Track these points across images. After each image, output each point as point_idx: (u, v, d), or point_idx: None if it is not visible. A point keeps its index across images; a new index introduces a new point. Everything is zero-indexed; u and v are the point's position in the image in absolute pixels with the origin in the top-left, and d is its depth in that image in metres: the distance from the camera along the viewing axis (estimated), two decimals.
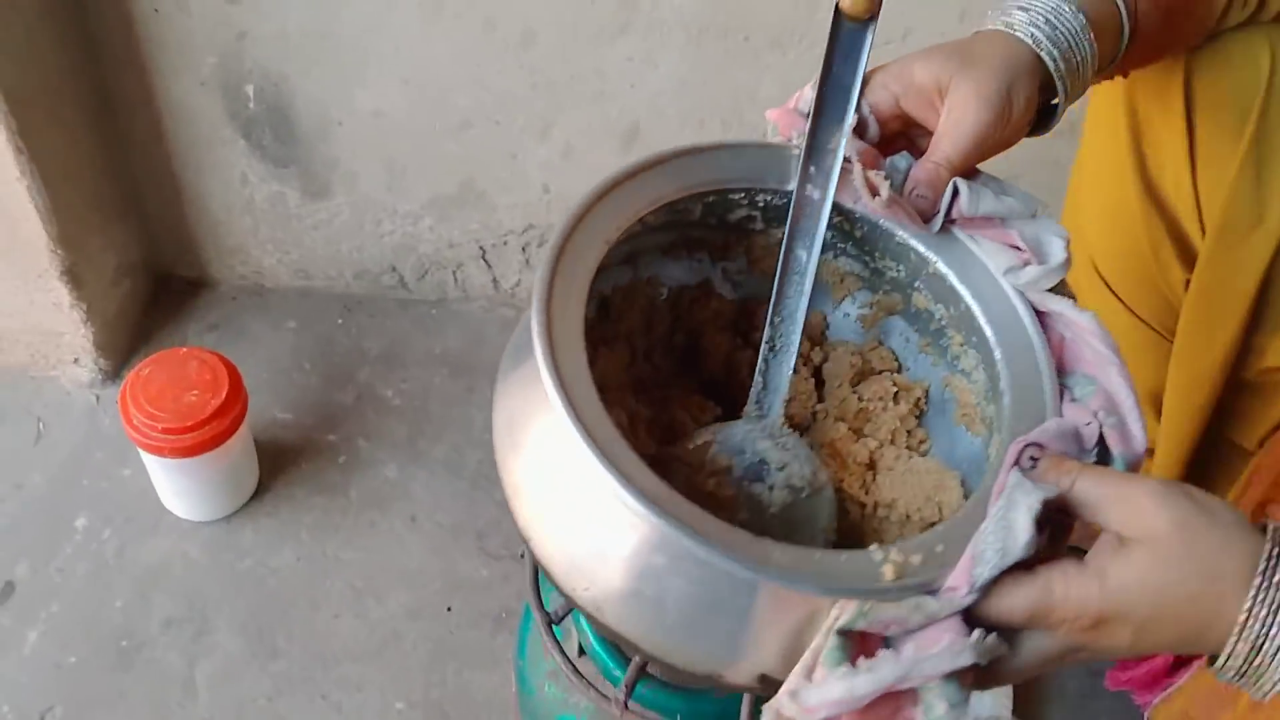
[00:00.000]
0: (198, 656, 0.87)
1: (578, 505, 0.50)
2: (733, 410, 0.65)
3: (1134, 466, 0.52)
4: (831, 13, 0.58)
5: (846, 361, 0.67)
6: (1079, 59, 0.59)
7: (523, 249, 1.06)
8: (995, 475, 0.50)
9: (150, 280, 1.08)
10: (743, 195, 0.61)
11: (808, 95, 0.60)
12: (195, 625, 0.89)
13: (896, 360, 0.68)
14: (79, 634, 0.88)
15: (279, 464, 0.99)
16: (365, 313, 1.10)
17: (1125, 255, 0.77)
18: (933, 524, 0.62)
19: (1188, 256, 0.73)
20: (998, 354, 0.59)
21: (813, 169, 0.60)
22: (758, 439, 0.59)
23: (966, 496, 0.61)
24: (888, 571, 0.48)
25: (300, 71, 0.93)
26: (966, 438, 0.64)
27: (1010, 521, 0.47)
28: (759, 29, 0.89)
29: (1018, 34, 0.58)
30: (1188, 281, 0.74)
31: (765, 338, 0.59)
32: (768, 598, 0.48)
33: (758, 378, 0.60)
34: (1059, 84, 0.58)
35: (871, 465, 0.65)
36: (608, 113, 0.95)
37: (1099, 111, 0.77)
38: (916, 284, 0.63)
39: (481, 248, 1.06)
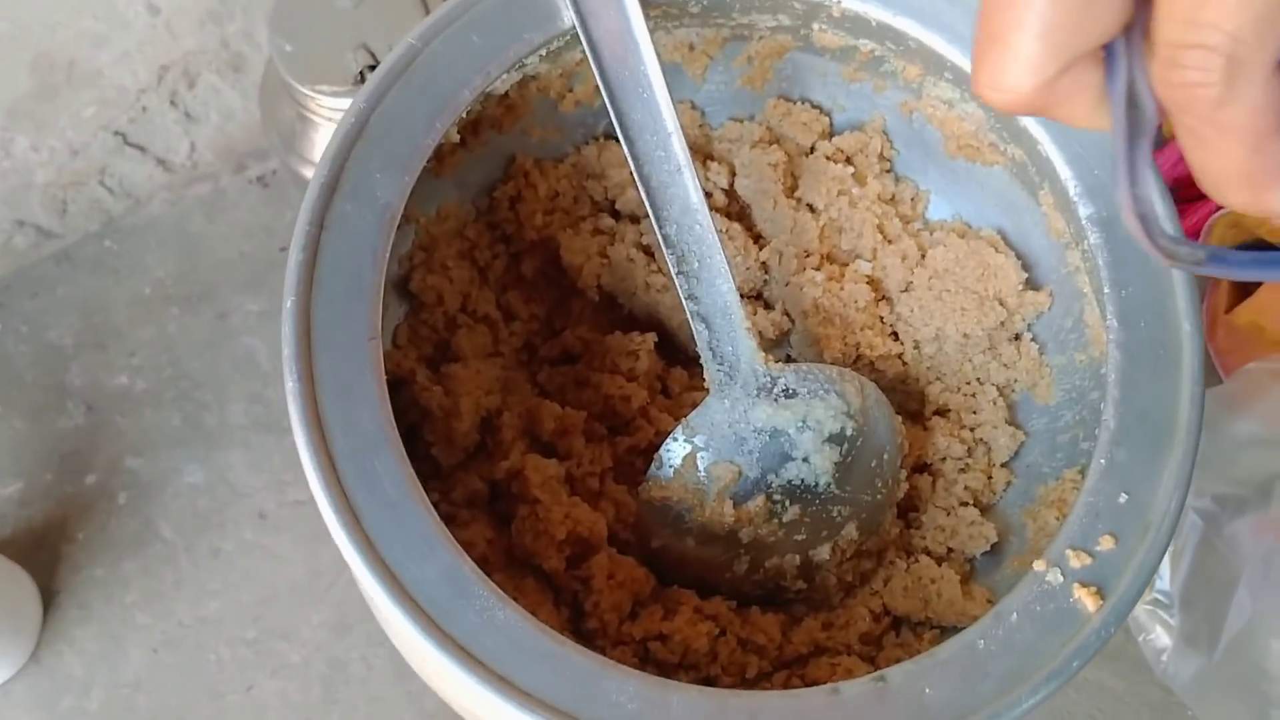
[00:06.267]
0: None
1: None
2: (662, 325, 0.45)
3: None
4: None
5: (762, 167, 0.45)
6: None
7: (171, 102, 0.77)
8: None
9: None
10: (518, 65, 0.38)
11: None
12: None
13: (823, 114, 0.47)
14: None
15: (46, 549, 0.77)
16: (23, 295, 0.82)
17: None
18: (1001, 325, 0.44)
19: None
20: None
21: None
22: (750, 409, 0.39)
23: (1027, 270, 0.44)
24: None
25: None
26: (978, 172, 0.45)
27: None
28: None
29: None
30: None
31: (673, 269, 0.38)
32: None
33: (697, 326, 0.39)
34: None
35: (879, 292, 0.46)
36: None
37: None
38: (814, 26, 0.41)
39: (118, 133, 0.76)
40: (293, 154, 0.67)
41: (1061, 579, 0.34)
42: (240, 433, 0.79)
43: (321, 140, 0.65)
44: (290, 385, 0.34)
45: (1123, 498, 0.34)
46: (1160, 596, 0.70)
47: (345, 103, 0.62)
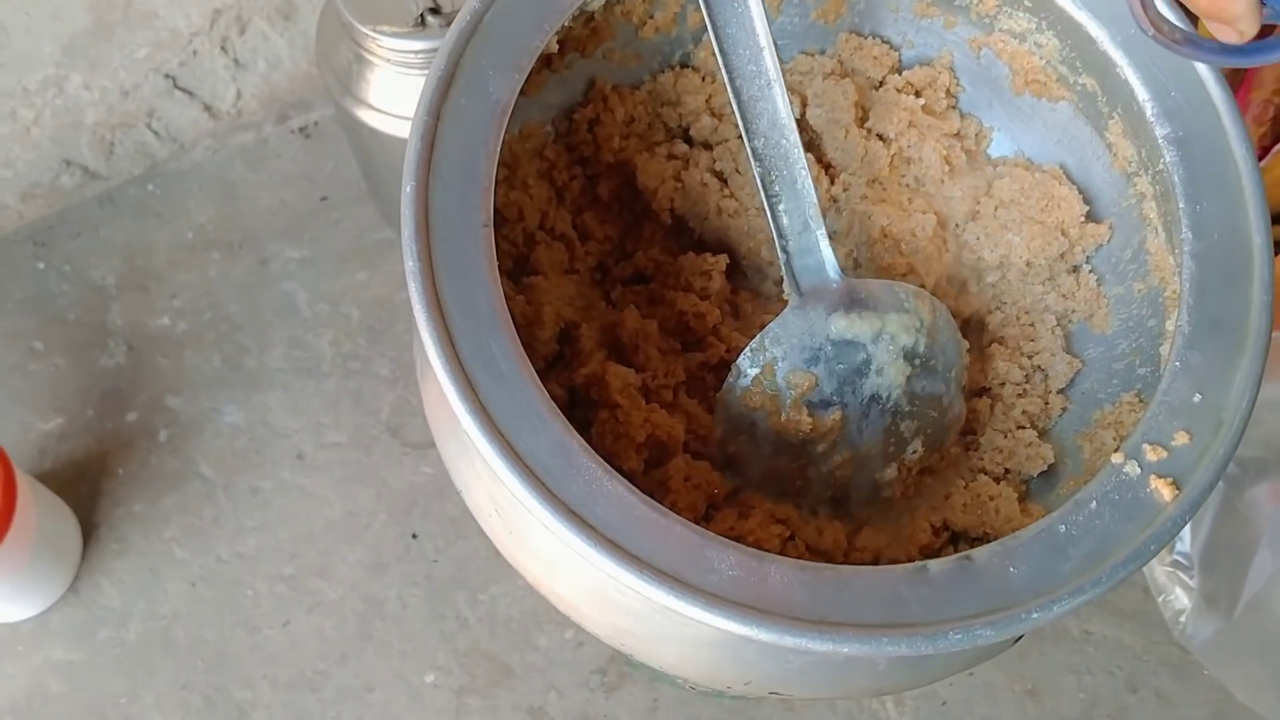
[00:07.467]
0: None
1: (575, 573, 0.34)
2: (731, 250, 0.47)
3: None
4: None
5: (835, 97, 0.47)
6: None
7: (221, 48, 0.78)
8: None
9: None
10: None
11: None
12: None
13: (893, 49, 0.49)
14: None
15: (87, 483, 0.78)
16: (66, 235, 0.83)
17: None
18: (1061, 256, 0.46)
19: None
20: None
21: None
22: (827, 320, 0.41)
23: (1088, 206, 0.45)
24: None
25: None
26: (1043, 108, 0.47)
27: None
28: None
29: None
30: None
31: (758, 182, 0.40)
32: None
33: (779, 243, 0.40)
34: None
35: (944, 222, 0.48)
36: None
37: None
38: None
39: (168, 76, 0.77)
40: (348, 95, 0.68)
41: (1139, 471, 0.35)
42: (280, 376, 0.81)
43: (378, 81, 0.67)
44: (410, 266, 0.35)
45: (1196, 397, 0.36)
46: (1180, 558, 0.72)
47: (405, 44, 0.63)
